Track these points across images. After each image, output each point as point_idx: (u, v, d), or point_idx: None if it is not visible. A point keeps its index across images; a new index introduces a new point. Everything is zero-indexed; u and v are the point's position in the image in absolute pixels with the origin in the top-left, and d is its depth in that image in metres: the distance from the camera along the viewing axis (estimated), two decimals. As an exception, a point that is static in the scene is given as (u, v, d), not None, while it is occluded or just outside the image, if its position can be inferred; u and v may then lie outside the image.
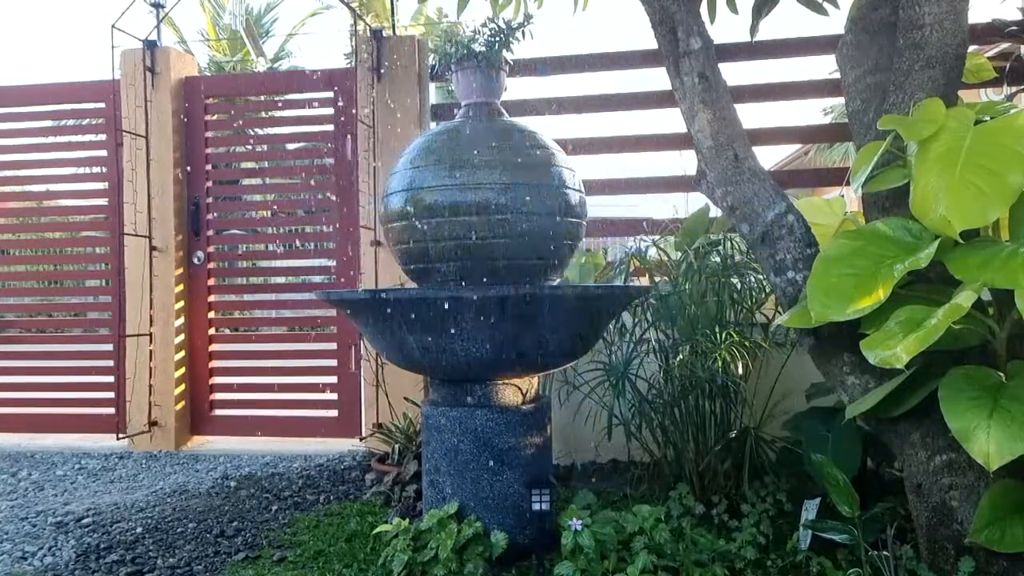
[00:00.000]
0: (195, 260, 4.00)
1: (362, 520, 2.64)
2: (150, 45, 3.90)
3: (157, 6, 3.92)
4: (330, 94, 3.92)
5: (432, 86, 3.87)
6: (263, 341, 4.27)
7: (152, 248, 3.88)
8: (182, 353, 3.95)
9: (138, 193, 3.87)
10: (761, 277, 2.68)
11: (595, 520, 2.04)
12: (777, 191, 2.21)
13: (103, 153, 4.17)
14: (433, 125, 3.72)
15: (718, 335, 2.55)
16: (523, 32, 2.42)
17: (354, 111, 3.75)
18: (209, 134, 4.07)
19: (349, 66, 3.99)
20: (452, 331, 2.06)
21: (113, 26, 3.78)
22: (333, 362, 3.90)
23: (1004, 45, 3.48)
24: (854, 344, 1.78)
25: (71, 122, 7.39)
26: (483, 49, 2.38)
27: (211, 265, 4.03)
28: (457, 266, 2.24)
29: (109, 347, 4.04)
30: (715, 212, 2.80)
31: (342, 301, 2.29)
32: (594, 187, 3.36)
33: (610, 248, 4.21)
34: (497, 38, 2.37)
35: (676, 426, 2.67)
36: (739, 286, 2.70)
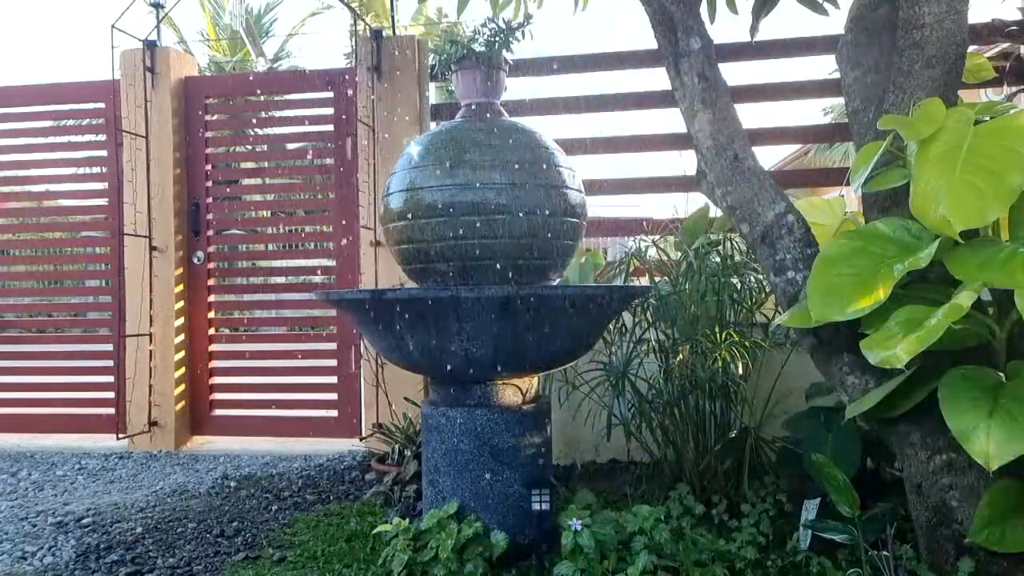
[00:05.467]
0: (195, 260, 4.00)
1: (362, 520, 2.63)
2: (150, 45, 3.90)
3: (157, 6, 3.92)
4: (330, 94, 3.92)
5: (432, 86, 3.87)
6: (263, 341, 4.28)
7: (152, 248, 3.88)
8: (182, 353, 3.95)
9: (138, 193, 3.87)
10: (761, 277, 2.68)
11: (595, 520, 2.04)
12: (777, 191, 2.21)
13: (103, 153, 4.17)
14: (433, 125, 3.72)
15: (718, 335, 2.55)
16: (523, 32, 2.42)
17: (354, 111, 3.75)
18: (209, 134, 4.07)
19: (349, 66, 4.00)
20: (452, 331, 2.06)
21: (113, 26, 3.78)
22: (333, 362, 3.90)
23: (1004, 45, 3.48)
24: (854, 344, 1.78)
25: (71, 122, 7.41)
26: (483, 49, 2.38)
27: (211, 265, 4.03)
28: (457, 266, 2.24)
29: (109, 347, 4.04)
30: (715, 212, 2.80)
31: (342, 301, 2.29)
32: (594, 187, 3.36)
33: (610, 248, 4.20)
34: (497, 38, 2.38)
35: (676, 426, 2.67)
36: (739, 286, 2.70)
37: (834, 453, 2.29)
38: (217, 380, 4.04)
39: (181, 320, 3.95)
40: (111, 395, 4.02)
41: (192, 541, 2.50)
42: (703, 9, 2.48)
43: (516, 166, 2.22)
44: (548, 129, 2.49)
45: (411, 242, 2.29)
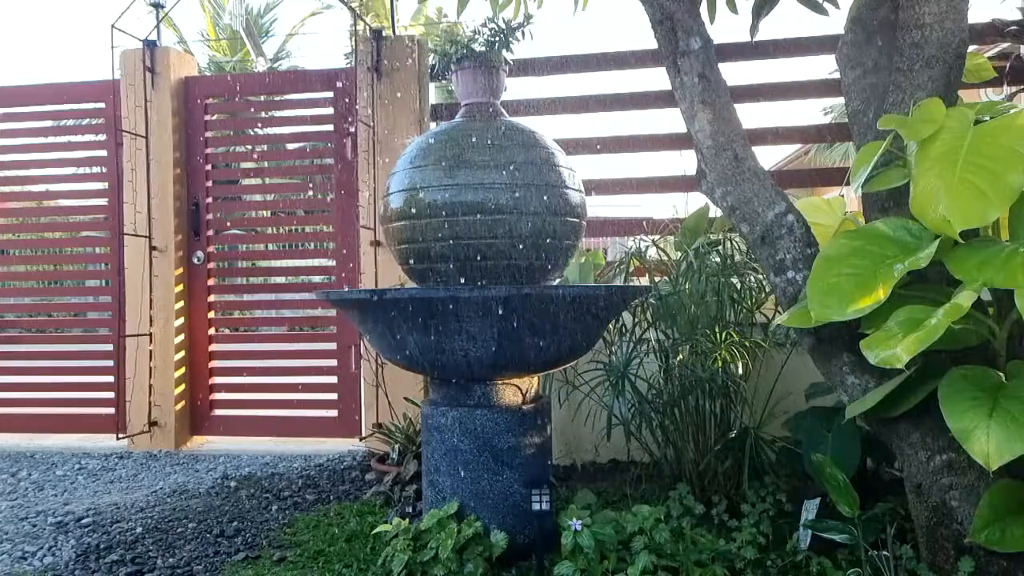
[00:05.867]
0: (195, 260, 4.00)
1: (362, 520, 2.63)
2: (150, 45, 3.90)
3: (157, 6, 3.92)
4: (330, 94, 3.92)
5: (432, 86, 3.87)
6: (263, 341, 4.27)
7: (152, 248, 3.88)
8: (182, 353, 3.95)
9: (138, 193, 3.87)
10: (761, 277, 2.68)
11: (595, 520, 2.04)
12: (777, 191, 2.21)
13: (103, 153, 4.17)
14: (433, 125, 3.72)
15: (718, 335, 2.55)
16: (523, 32, 2.42)
17: (354, 111, 3.75)
18: (209, 134, 4.07)
19: (349, 66, 3.99)
20: (452, 331, 2.06)
21: (113, 26, 3.78)
22: (333, 362, 3.90)
23: (1004, 45, 3.48)
24: (854, 344, 1.78)
25: (71, 122, 7.41)
26: (483, 49, 2.38)
27: (211, 265, 4.03)
28: (457, 266, 2.24)
29: (109, 347, 4.04)
30: (715, 212, 2.80)
31: (342, 301, 2.29)
32: (594, 187, 3.36)
33: (610, 248, 4.20)
34: (497, 38, 2.38)
35: (676, 426, 2.67)
36: (739, 286, 2.70)
37: (834, 453, 2.29)
38: (217, 380, 4.04)
39: (181, 320, 3.95)
40: (111, 395, 4.01)
41: (192, 541, 2.49)
42: (703, 9, 2.48)
43: (516, 166, 2.22)
44: (548, 129, 2.50)
45: (411, 242, 2.29)
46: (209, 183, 4.03)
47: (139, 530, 2.58)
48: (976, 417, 1.57)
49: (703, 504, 2.46)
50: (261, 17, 15.00)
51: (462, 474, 2.20)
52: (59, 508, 2.85)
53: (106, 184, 4.10)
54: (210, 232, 4.03)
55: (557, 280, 2.46)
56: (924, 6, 1.96)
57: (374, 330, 2.24)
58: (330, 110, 3.93)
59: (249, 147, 4.62)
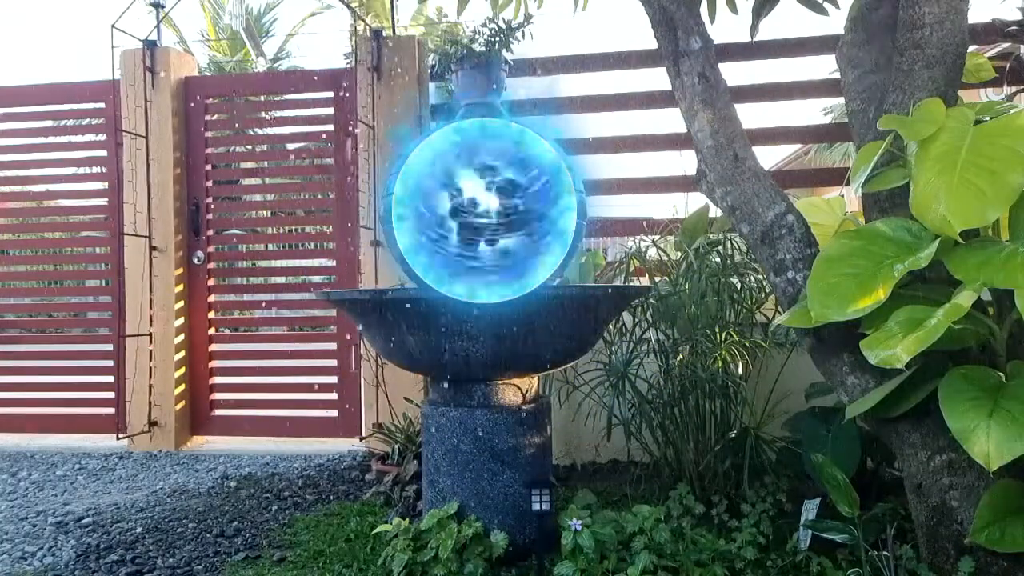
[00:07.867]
0: (195, 260, 4.00)
1: (362, 520, 2.63)
2: (150, 45, 3.90)
3: (157, 6, 3.92)
4: (330, 94, 3.92)
5: (432, 86, 3.87)
6: (263, 341, 4.26)
7: (152, 248, 3.88)
8: (182, 353, 3.95)
9: (138, 193, 3.87)
10: (761, 277, 2.68)
11: (595, 520, 2.04)
12: (777, 191, 2.21)
13: (103, 153, 4.17)
14: (433, 125, 3.72)
15: (718, 335, 2.55)
16: (523, 32, 2.42)
17: (354, 111, 3.75)
18: (209, 134, 4.07)
19: (349, 66, 3.99)
20: (452, 331, 2.06)
21: (113, 26, 3.78)
22: (333, 362, 3.90)
23: (1004, 45, 3.48)
24: (854, 344, 1.78)
25: (71, 122, 7.39)
26: (483, 49, 2.38)
27: (211, 265, 4.03)
28: (457, 266, 2.23)
29: (109, 347, 4.04)
30: (715, 212, 2.80)
31: (342, 301, 2.29)
32: (594, 187, 3.35)
33: (610, 248, 4.20)
34: (497, 38, 2.38)
35: (676, 426, 2.67)
36: (739, 286, 2.70)
37: (834, 453, 2.29)
38: (217, 380, 4.04)
39: (181, 320, 3.95)
40: (111, 395, 4.01)
41: (192, 541, 2.49)
42: (703, 9, 2.48)
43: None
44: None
45: (411, 242, 2.28)
46: (209, 183, 4.03)
47: (139, 530, 2.58)
48: (976, 417, 1.57)
49: (703, 504, 2.46)
50: (261, 17, 15.00)
51: (462, 474, 2.20)
52: (59, 508, 2.85)
53: (106, 184, 4.10)
54: (210, 232, 4.03)
55: (558, 280, 2.46)
56: (924, 6, 1.97)
57: (374, 330, 2.24)
58: (330, 110, 3.92)
59: (249, 147, 4.62)
